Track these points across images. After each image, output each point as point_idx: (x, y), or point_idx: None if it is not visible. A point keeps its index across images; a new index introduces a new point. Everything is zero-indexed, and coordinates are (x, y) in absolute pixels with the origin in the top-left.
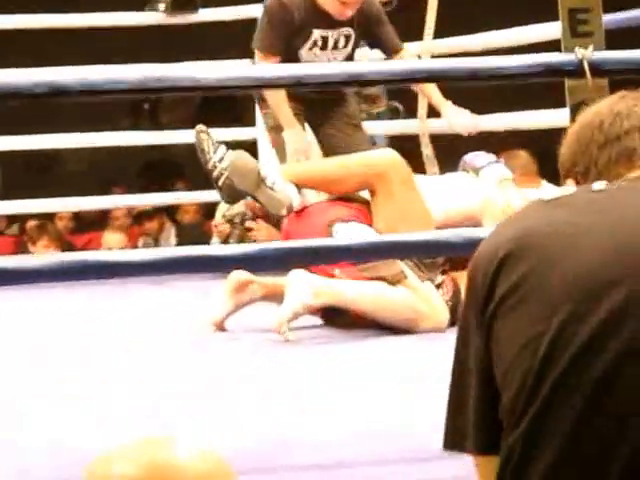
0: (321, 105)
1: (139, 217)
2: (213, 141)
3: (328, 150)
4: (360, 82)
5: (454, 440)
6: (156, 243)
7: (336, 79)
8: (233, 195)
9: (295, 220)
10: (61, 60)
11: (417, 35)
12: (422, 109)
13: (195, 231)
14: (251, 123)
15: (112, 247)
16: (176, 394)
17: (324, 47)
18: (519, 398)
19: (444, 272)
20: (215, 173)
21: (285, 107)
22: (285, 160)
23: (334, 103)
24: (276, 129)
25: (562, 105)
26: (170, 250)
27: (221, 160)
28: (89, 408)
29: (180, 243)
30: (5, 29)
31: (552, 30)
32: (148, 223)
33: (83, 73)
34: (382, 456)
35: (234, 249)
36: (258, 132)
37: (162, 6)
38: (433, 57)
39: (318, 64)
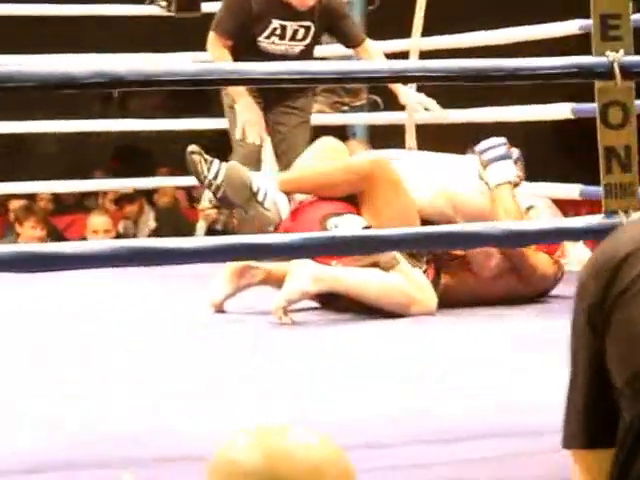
0: (276, 94)
1: (120, 200)
2: (205, 158)
3: (272, 136)
4: (400, 78)
5: (567, 439)
6: (135, 226)
7: (385, 74)
8: (230, 204)
9: (289, 218)
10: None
11: (406, 32)
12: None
13: (172, 215)
14: (220, 112)
15: (98, 229)
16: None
17: (282, 37)
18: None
19: (428, 261)
20: (212, 189)
21: None
22: (236, 135)
23: (289, 94)
24: (228, 109)
25: (545, 101)
26: (222, 238)
27: (216, 177)
28: (89, 408)
29: (159, 227)
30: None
31: (541, 31)
32: (129, 206)
33: (138, 64)
34: (384, 441)
35: (284, 238)
36: None
37: (163, 3)
38: (422, 54)
39: (363, 61)
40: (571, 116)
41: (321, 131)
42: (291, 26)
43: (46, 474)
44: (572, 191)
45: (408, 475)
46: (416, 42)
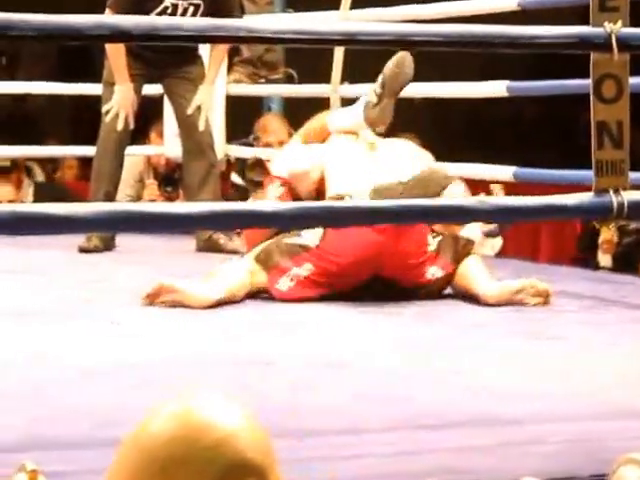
0: (163, 65)
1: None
2: None
3: (173, 103)
4: (401, 42)
5: None
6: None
7: (387, 37)
8: None
9: None
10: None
11: (335, 5)
12: (336, 75)
13: (52, 189)
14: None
15: (1, 200)
16: None
17: (174, 14)
18: None
19: None
20: None
21: (121, 61)
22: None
23: (176, 65)
24: (106, 84)
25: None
26: (218, 205)
27: None
28: None
29: (35, 201)
30: None
31: (478, 5)
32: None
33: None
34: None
35: (280, 206)
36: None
37: None
38: None
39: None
40: (506, 94)
41: (237, 101)
42: (182, 4)
43: None
44: (506, 173)
45: (394, 462)
46: (344, 15)
